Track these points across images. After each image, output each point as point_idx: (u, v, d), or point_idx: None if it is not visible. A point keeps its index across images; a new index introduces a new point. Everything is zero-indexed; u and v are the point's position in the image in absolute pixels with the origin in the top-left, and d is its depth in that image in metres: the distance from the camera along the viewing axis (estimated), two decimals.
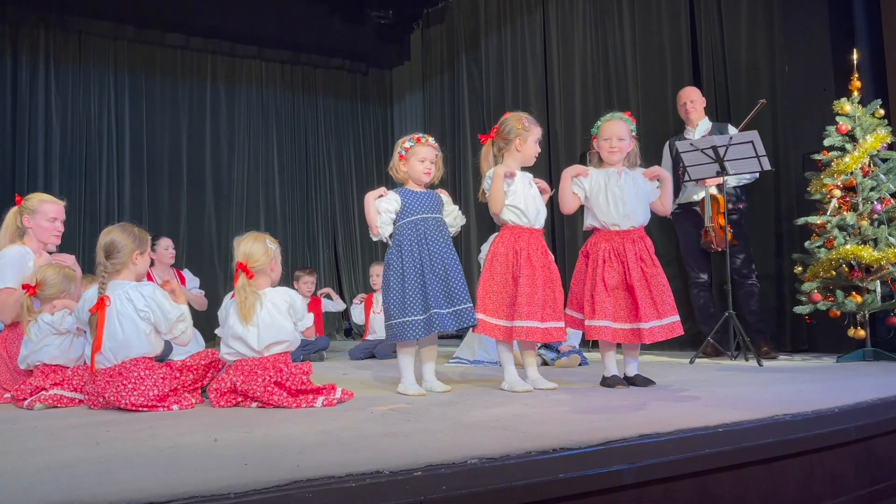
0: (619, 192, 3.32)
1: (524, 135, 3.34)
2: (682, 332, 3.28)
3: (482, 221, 7.36)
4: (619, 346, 3.36)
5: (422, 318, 3.15)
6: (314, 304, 6.36)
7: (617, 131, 3.36)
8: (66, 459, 1.88)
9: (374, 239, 3.30)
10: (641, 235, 3.34)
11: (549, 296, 3.26)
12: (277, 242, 3.13)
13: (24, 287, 3.34)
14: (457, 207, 3.45)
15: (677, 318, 3.25)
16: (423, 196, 3.33)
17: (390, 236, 3.29)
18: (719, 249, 4.59)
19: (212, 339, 7.09)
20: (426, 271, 3.18)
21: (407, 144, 3.32)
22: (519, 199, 3.31)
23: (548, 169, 6.83)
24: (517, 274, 3.23)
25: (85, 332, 3.26)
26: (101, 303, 2.95)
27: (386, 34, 9.34)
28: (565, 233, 6.77)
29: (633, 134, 3.41)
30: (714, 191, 4.71)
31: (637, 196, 3.34)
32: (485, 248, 5.36)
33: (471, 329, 3.30)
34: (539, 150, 3.42)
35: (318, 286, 6.69)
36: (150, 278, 5.38)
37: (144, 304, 2.99)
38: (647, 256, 3.29)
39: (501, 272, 3.28)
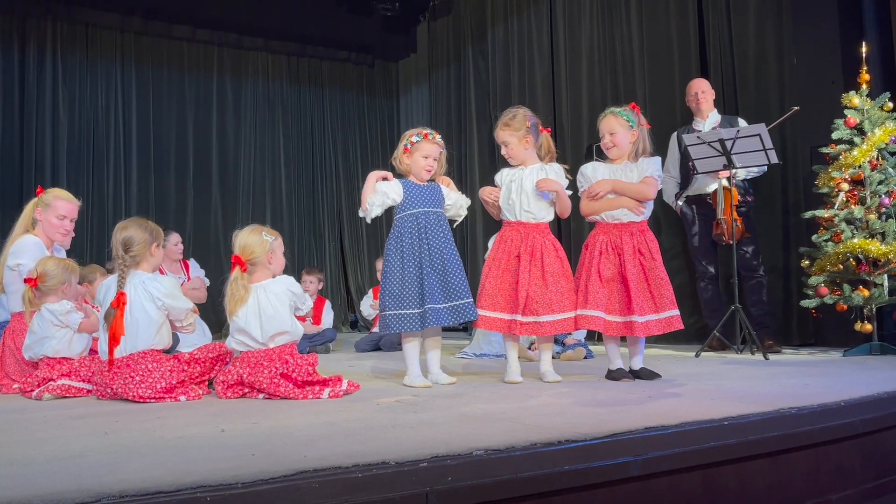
0: None
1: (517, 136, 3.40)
2: (682, 326, 3.27)
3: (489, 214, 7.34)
4: (623, 339, 3.37)
5: (417, 311, 3.15)
6: (318, 304, 6.34)
7: (608, 127, 3.39)
8: (75, 449, 1.89)
9: (361, 215, 3.29)
10: (642, 229, 3.33)
11: (540, 289, 3.25)
12: (276, 234, 3.13)
13: (25, 280, 3.37)
14: (460, 194, 3.43)
15: (676, 312, 3.24)
16: (425, 189, 3.33)
17: (386, 229, 3.31)
18: (730, 242, 4.59)
19: (218, 332, 7.14)
20: (424, 265, 3.19)
21: (413, 139, 3.31)
22: (502, 195, 3.39)
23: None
24: (494, 266, 3.32)
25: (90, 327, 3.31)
26: (120, 298, 2.97)
27: (392, 26, 9.33)
28: (571, 225, 6.76)
29: (632, 125, 3.37)
30: (725, 183, 4.70)
31: None
32: (491, 241, 5.41)
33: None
34: (508, 154, 3.42)
35: (327, 280, 6.64)
36: (161, 272, 5.41)
37: (164, 293, 3.02)
38: (647, 250, 3.28)
39: (495, 266, 3.35)
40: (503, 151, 3.44)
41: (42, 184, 6.94)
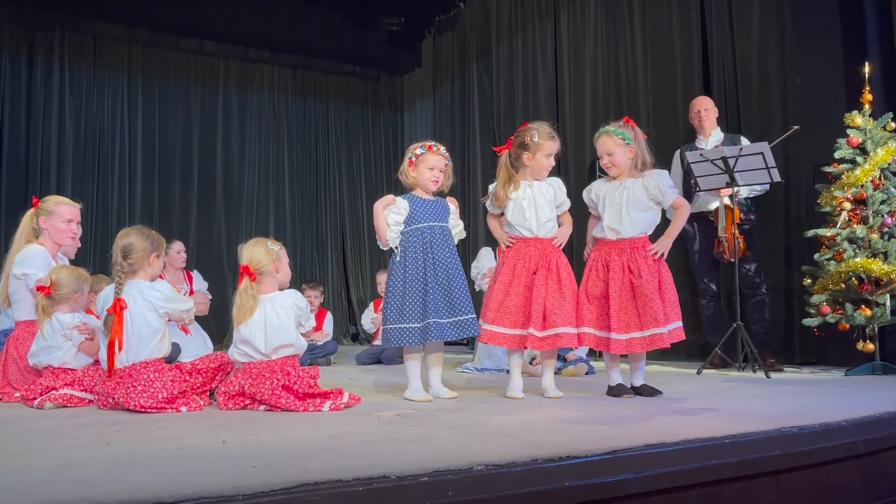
0: (616, 203, 3.34)
1: (531, 149, 3.38)
2: (667, 345, 3.22)
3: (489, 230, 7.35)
4: (625, 355, 3.36)
5: (418, 325, 3.16)
6: (320, 316, 6.34)
7: (604, 148, 3.39)
8: (75, 459, 1.89)
9: (384, 248, 3.32)
10: (634, 245, 3.30)
11: (551, 302, 3.26)
12: (281, 244, 3.15)
13: (38, 289, 3.38)
14: (461, 223, 3.46)
15: (663, 329, 3.17)
16: (431, 204, 3.34)
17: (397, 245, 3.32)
18: (732, 260, 4.59)
19: (220, 343, 7.14)
20: (429, 280, 3.19)
21: (418, 151, 3.34)
22: (508, 210, 3.39)
23: (557, 177, 6.82)
24: (499, 279, 3.32)
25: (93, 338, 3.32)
26: (118, 304, 2.98)
27: (397, 41, 9.38)
28: (573, 241, 6.75)
29: (629, 141, 3.34)
30: (728, 201, 4.71)
31: (632, 207, 3.32)
32: (474, 264, 5.45)
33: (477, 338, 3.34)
34: (551, 164, 3.45)
35: (329, 292, 6.62)
36: (161, 277, 5.42)
37: (164, 299, 3.04)
38: (636, 267, 3.25)
39: (501, 281, 3.34)
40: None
41: (47, 193, 6.98)
